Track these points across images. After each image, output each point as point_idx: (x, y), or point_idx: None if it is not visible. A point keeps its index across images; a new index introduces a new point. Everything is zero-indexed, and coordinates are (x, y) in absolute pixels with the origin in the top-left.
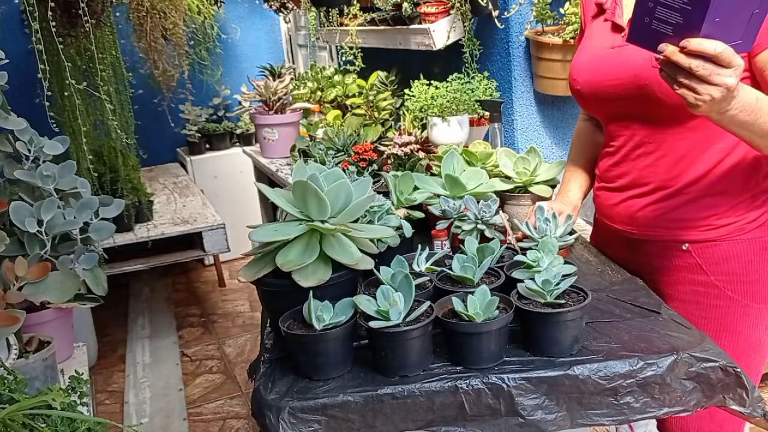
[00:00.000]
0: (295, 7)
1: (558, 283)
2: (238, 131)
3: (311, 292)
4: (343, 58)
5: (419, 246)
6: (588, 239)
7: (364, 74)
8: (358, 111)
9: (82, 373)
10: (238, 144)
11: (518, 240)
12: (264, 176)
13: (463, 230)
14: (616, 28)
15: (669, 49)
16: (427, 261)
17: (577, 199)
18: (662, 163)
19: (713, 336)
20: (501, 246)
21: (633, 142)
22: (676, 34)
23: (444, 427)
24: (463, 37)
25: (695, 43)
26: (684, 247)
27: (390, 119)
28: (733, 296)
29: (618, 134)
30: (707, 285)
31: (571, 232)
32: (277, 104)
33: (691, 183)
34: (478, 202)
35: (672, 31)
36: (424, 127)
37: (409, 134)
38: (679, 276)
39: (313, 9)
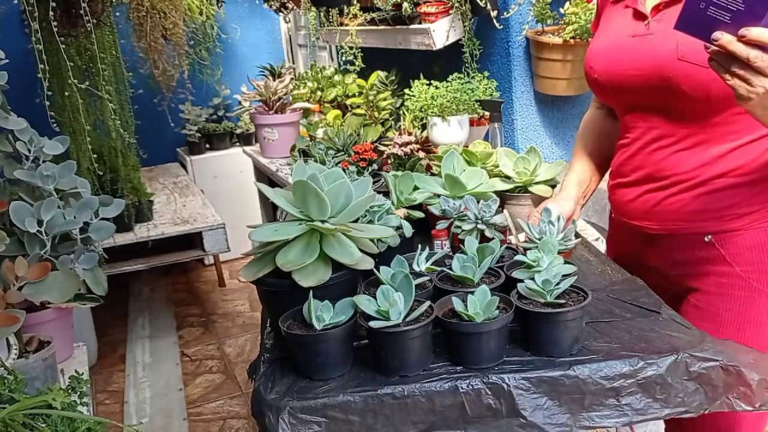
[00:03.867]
0: (295, 7)
1: (558, 283)
2: (238, 131)
3: (311, 292)
4: (343, 58)
5: (419, 246)
6: (588, 238)
7: (364, 74)
8: (358, 111)
9: (82, 373)
10: (238, 144)
11: (525, 241)
12: (264, 176)
13: (463, 230)
14: (639, 15)
15: (725, 38)
16: (427, 261)
17: (575, 193)
18: (680, 156)
19: (737, 328)
20: (501, 246)
21: (650, 135)
22: (733, 23)
23: (445, 430)
24: (463, 37)
25: (756, 32)
26: (707, 239)
27: (390, 119)
28: (758, 287)
29: (634, 126)
30: (731, 276)
31: (577, 235)
32: (277, 104)
33: (711, 178)
34: (478, 202)
35: (730, 19)
36: (424, 127)
37: (409, 134)
38: (703, 269)
39: (313, 9)
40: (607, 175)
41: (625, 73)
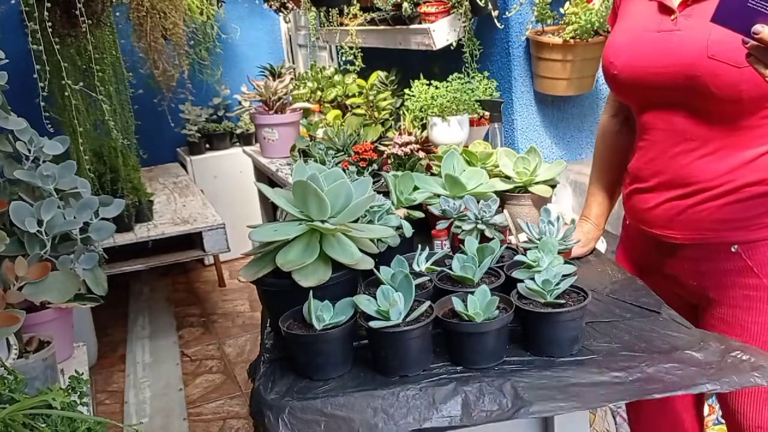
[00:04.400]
0: (295, 7)
1: (558, 283)
2: (238, 131)
3: (311, 292)
4: (343, 58)
5: (419, 246)
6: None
7: (364, 74)
8: (358, 111)
9: (82, 373)
10: (238, 144)
11: (525, 241)
12: (264, 176)
13: (463, 230)
14: (665, 9)
15: (767, 31)
16: (427, 261)
17: (596, 234)
18: (706, 161)
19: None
20: (501, 246)
21: (672, 138)
22: None
23: (448, 426)
24: (463, 37)
25: None
26: (733, 249)
27: (390, 119)
28: None
29: (654, 126)
30: (759, 288)
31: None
32: (277, 104)
33: (741, 186)
34: (478, 202)
35: None
36: (424, 127)
37: (409, 134)
38: (728, 280)
39: (313, 9)
40: None
41: (649, 70)
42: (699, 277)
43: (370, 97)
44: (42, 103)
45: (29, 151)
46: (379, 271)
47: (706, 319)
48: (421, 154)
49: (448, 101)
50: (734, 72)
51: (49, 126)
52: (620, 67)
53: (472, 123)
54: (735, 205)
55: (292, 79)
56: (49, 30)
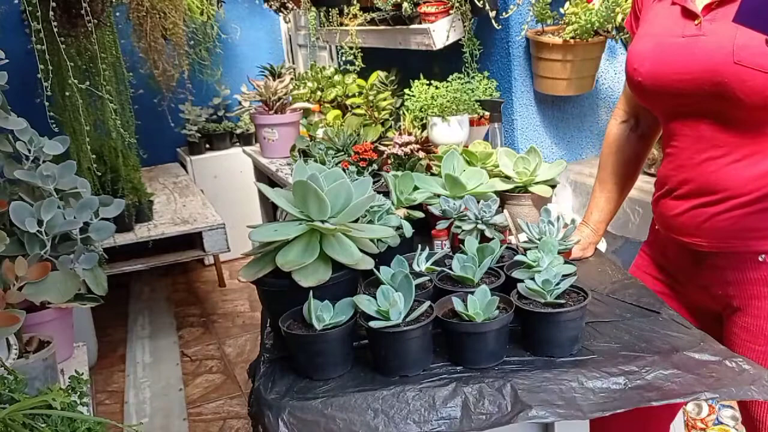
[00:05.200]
0: (295, 7)
1: (558, 283)
2: (238, 131)
3: (311, 292)
4: (343, 58)
5: (419, 246)
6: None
7: (364, 74)
8: (358, 111)
9: (82, 373)
10: (238, 144)
11: (525, 241)
12: (264, 176)
13: (463, 230)
14: (688, 14)
15: None
16: (427, 261)
17: (595, 240)
18: (733, 169)
19: None
20: (501, 246)
21: (699, 145)
22: None
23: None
24: (463, 37)
25: None
26: (761, 259)
27: (390, 119)
28: None
29: (681, 134)
30: None
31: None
32: (277, 104)
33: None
34: (478, 202)
35: None
36: (424, 127)
37: (409, 134)
38: (755, 290)
39: (313, 9)
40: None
41: (674, 77)
42: (725, 286)
43: (370, 97)
44: (46, 103)
45: (29, 151)
46: (379, 271)
47: (729, 327)
48: (421, 154)
49: (448, 101)
50: (761, 77)
51: (55, 126)
52: (645, 75)
53: (472, 123)
54: (762, 214)
55: (292, 79)
56: (55, 30)
